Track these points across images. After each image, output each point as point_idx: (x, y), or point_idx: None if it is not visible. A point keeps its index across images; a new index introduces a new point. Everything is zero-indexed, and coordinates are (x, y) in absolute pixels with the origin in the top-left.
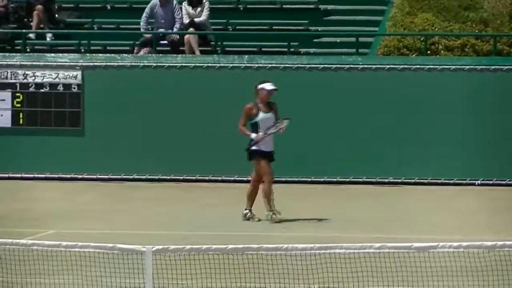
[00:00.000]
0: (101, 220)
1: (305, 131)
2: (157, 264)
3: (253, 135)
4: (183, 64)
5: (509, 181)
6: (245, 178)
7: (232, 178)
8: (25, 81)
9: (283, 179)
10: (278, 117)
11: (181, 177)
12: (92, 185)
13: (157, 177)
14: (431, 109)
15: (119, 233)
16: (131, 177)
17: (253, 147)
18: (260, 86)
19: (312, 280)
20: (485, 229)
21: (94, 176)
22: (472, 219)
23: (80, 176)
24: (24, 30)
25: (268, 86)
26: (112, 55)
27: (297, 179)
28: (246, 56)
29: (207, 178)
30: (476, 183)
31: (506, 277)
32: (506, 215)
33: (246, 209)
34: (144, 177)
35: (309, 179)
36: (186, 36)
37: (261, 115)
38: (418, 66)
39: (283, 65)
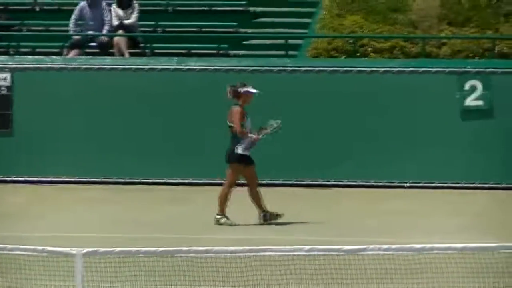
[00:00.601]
0: (32, 222)
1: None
2: (88, 266)
3: (254, 136)
4: (113, 66)
5: (438, 183)
6: (174, 180)
7: (163, 180)
8: None
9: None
10: None
11: (112, 179)
12: (22, 187)
13: (87, 179)
14: (360, 111)
15: (51, 236)
16: (61, 179)
17: (246, 153)
18: (244, 90)
19: (242, 282)
20: (416, 232)
21: (23, 178)
22: (403, 222)
23: (9, 178)
24: None
25: (252, 89)
26: (42, 57)
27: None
28: (176, 58)
29: (137, 180)
30: (405, 186)
31: (436, 279)
32: (435, 218)
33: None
34: (73, 179)
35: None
36: (115, 38)
37: (248, 118)
38: (347, 68)
39: (212, 67)
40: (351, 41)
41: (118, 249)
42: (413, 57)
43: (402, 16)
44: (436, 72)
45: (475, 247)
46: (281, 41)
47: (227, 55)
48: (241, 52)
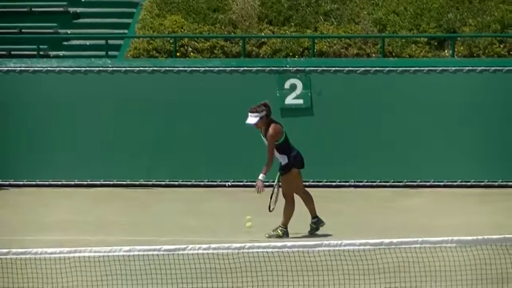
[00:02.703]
0: None
1: (44, 136)
2: None
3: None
4: None
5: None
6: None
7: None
8: None
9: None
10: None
11: None
12: None
13: None
14: (180, 111)
15: None
16: None
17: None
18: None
19: (62, 284)
20: (237, 231)
21: None
22: (223, 220)
23: None
24: None
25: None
26: None
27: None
28: None
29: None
30: (227, 185)
31: (260, 277)
32: (258, 216)
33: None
34: None
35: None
36: None
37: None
38: (167, 68)
39: (32, 69)
40: (171, 41)
41: None
42: (234, 56)
43: (222, 16)
44: (256, 71)
45: (300, 245)
46: (102, 42)
47: (48, 56)
48: (62, 53)
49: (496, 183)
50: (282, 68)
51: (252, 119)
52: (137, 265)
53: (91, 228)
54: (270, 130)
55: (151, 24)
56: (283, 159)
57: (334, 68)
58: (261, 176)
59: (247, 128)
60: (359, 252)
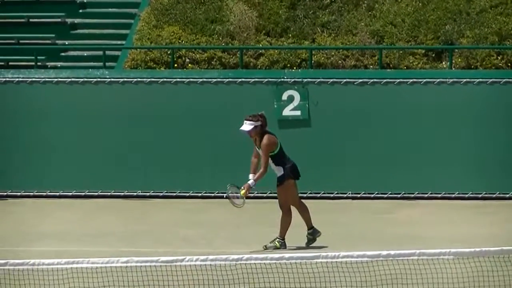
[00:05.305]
0: None
1: (42, 146)
2: None
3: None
4: None
5: (257, 193)
6: None
7: None
8: None
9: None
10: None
11: None
12: None
13: None
14: (177, 122)
15: None
16: None
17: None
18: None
19: None
20: (235, 242)
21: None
22: (221, 231)
23: None
24: None
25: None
26: None
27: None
28: None
29: None
30: (225, 196)
31: None
32: (255, 227)
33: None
34: None
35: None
36: None
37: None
38: (165, 80)
39: (30, 79)
40: (169, 52)
41: None
42: (231, 67)
43: (220, 27)
44: (254, 82)
45: (297, 256)
46: (99, 53)
47: (45, 67)
48: (59, 64)
49: (494, 195)
50: (279, 80)
51: (246, 126)
52: (135, 276)
53: (88, 239)
54: (264, 140)
55: (148, 35)
56: (278, 171)
57: (331, 80)
58: (250, 181)
59: (245, 139)
60: (357, 264)
